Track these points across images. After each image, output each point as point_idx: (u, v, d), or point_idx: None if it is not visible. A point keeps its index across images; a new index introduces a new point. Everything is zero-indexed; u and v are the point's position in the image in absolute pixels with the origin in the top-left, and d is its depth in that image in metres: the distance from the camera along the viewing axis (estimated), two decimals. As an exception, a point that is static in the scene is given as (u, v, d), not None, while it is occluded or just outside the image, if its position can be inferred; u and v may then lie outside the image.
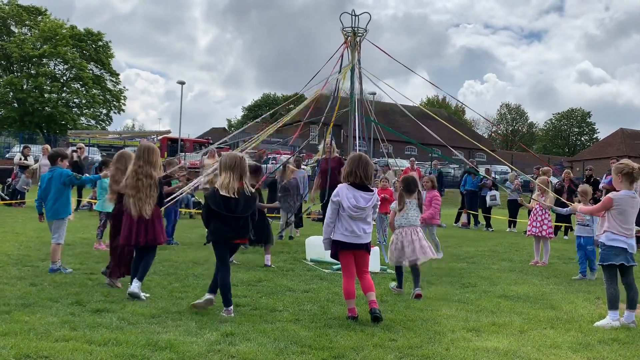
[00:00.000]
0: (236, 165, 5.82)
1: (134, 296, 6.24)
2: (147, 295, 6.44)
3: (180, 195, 9.82)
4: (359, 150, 10.05)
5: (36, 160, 19.85)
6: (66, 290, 6.55)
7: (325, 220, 6.10)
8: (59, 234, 7.80)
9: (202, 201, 15.88)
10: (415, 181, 7.38)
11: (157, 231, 6.47)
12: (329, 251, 6.10)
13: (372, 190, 6.00)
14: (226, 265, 6.02)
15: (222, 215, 5.78)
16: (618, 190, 6.16)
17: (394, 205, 7.60)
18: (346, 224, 5.87)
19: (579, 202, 8.85)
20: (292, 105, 10.98)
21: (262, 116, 11.41)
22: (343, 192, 5.90)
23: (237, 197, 5.75)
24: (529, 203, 11.50)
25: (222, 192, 5.74)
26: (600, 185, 15.42)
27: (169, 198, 8.70)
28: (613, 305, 6.02)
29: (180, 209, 13.34)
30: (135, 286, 6.32)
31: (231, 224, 5.81)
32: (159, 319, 5.53)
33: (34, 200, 8.19)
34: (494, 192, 18.16)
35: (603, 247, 6.11)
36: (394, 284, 7.47)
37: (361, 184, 5.93)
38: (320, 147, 12.21)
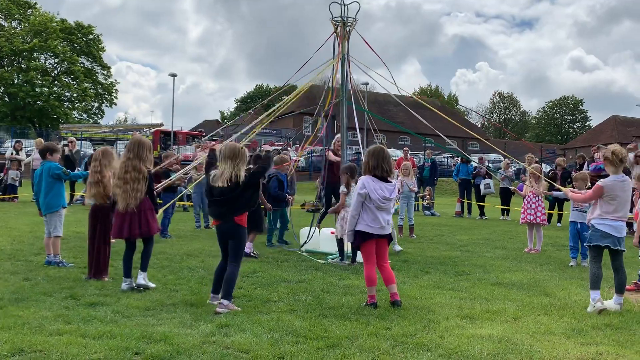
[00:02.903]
0: (234, 155, 5.80)
1: (144, 287, 6.35)
2: (154, 285, 6.48)
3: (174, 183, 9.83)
4: (348, 139, 10.02)
5: (28, 155, 19.77)
6: (60, 284, 6.53)
7: (350, 213, 6.18)
8: (55, 226, 7.80)
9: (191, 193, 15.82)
10: (357, 169, 8.85)
11: (151, 222, 6.47)
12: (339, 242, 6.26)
13: (392, 182, 6.14)
14: (222, 254, 6.04)
15: (209, 200, 5.98)
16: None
17: (343, 188, 8.68)
18: (372, 215, 5.98)
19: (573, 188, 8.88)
20: (284, 97, 10.91)
21: (255, 107, 11.25)
22: (370, 184, 6.00)
23: (227, 185, 5.72)
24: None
25: (217, 184, 5.75)
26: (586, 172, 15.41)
27: (162, 185, 8.77)
28: (595, 285, 6.06)
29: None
30: (140, 278, 6.40)
31: (213, 207, 5.91)
32: (153, 311, 5.53)
33: (32, 197, 8.21)
34: (488, 180, 18.20)
35: (592, 229, 6.19)
36: (337, 258, 8.73)
37: (383, 177, 6.06)
38: (337, 136, 11.66)
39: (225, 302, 5.62)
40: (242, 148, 5.92)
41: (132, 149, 6.44)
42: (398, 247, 9.79)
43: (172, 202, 10.77)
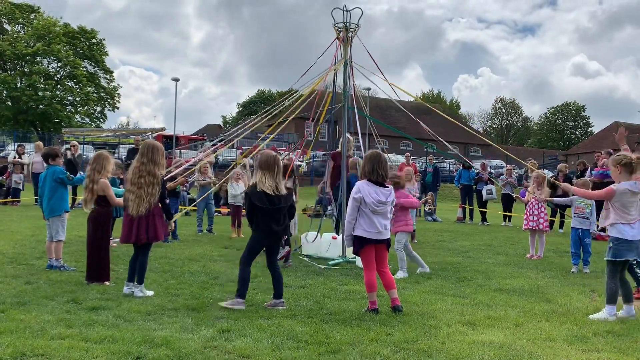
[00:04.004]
0: (273, 164, 6.01)
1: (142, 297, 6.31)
2: (152, 292, 6.47)
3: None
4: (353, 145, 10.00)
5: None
6: (62, 289, 6.54)
7: (346, 218, 6.17)
8: (57, 230, 7.82)
9: (195, 198, 15.86)
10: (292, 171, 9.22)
11: (158, 228, 6.41)
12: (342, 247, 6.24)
13: (388, 187, 6.13)
14: (253, 260, 6.17)
15: (266, 210, 5.95)
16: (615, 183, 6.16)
17: None
18: (368, 220, 5.97)
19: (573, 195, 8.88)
20: (286, 102, 10.92)
21: (259, 115, 11.16)
22: (364, 188, 6.00)
23: (277, 194, 5.96)
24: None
25: (266, 190, 5.92)
26: (588, 179, 15.40)
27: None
28: (612, 300, 5.99)
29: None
30: (137, 291, 6.36)
31: (277, 219, 6.01)
32: (155, 316, 5.53)
33: (37, 200, 8.25)
34: (490, 186, 18.18)
35: (615, 242, 5.98)
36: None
37: (380, 181, 6.05)
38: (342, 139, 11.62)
39: (278, 300, 6.03)
40: (276, 156, 6.10)
41: (145, 154, 6.37)
42: (425, 268, 8.61)
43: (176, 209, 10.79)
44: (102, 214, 7.15)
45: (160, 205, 6.48)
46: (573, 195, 8.54)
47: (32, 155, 19.20)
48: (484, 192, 18.15)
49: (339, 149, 11.72)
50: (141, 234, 6.32)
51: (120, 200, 6.99)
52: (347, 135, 10.30)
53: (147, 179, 6.29)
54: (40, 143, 19.27)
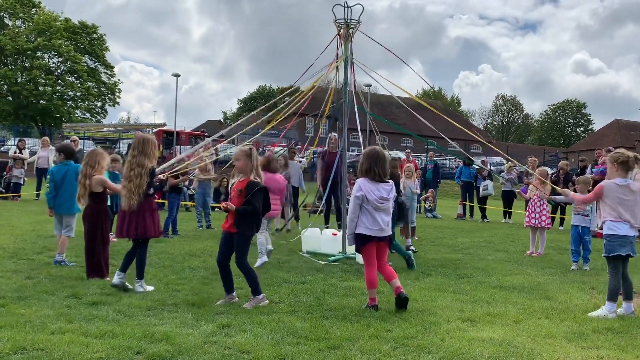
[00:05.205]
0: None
1: (142, 293, 6.31)
2: (152, 288, 6.47)
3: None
4: (351, 141, 9.98)
5: (32, 154, 19.79)
6: (62, 283, 6.55)
7: (348, 216, 6.13)
8: (71, 226, 7.89)
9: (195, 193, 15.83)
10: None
11: (148, 224, 6.38)
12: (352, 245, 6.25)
13: (389, 182, 6.09)
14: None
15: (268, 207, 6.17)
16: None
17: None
18: (371, 218, 5.94)
19: (575, 191, 8.87)
20: (287, 98, 10.92)
21: (259, 108, 11.24)
22: (366, 186, 5.96)
23: None
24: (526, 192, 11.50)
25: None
26: (589, 176, 15.37)
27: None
28: (613, 297, 5.99)
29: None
30: (137, 286, 6.36)
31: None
32: (155, 311, 5.53)
33: (45, 194, 8.14)
34: (487, 182, 18.13)
35: (608, 238, 6.03)
36: None
37: (376, 179, 6.03)
38: (330, 137, 11.77)
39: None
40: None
41: (136, 147, 6.38)
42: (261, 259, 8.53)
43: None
44: (96, 210, 7.12)
45: (152, 197, 6.47)
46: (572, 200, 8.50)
47: (38, 150, 19.15)
48: (481, 188, 18.11)
49: (327, 148, 11.88)
50: (130, 229, 6.33)
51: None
52: (334, 134, 10.38)
53: (136, 170, 6.29)
54: (47, 138, 19.21)
